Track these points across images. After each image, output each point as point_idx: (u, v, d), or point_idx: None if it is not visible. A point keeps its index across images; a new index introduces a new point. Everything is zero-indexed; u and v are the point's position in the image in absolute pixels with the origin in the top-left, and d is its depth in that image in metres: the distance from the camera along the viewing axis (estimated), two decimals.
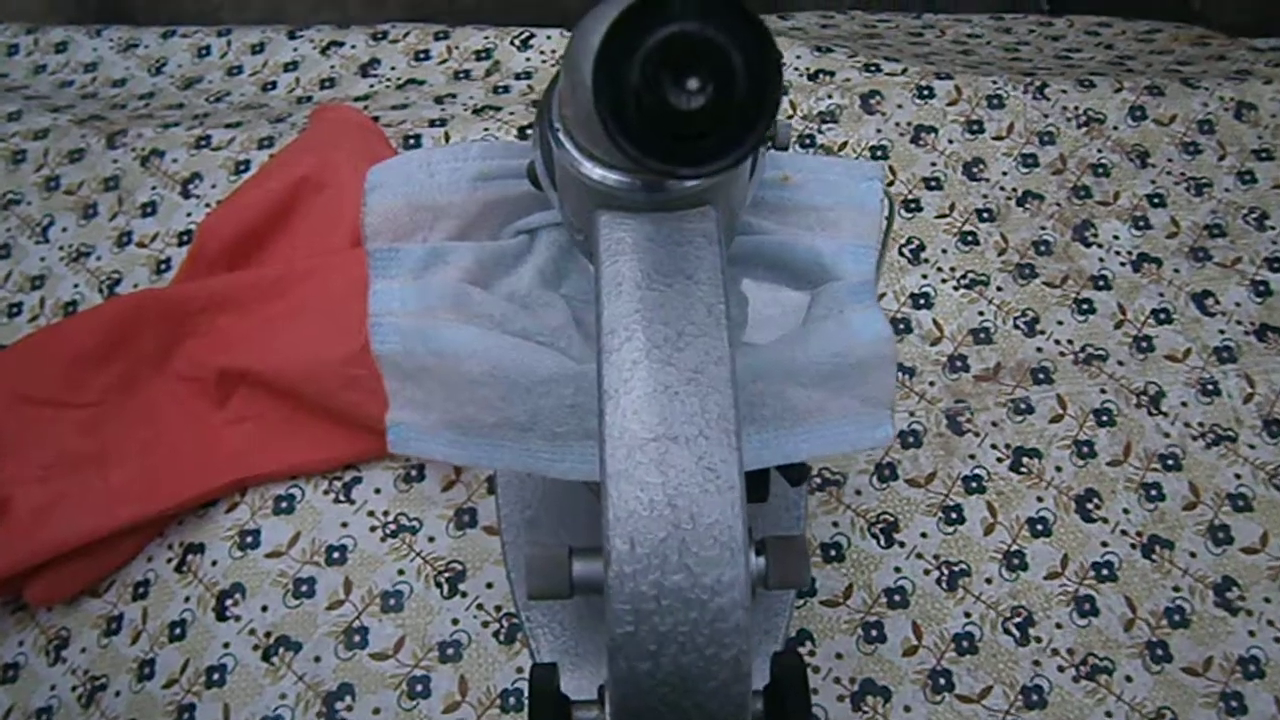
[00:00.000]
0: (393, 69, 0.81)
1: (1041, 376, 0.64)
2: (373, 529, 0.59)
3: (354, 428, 0.59)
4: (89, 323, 0.61)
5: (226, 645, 0.56)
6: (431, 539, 0.59)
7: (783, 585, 0.36)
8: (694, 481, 0.30)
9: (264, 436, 0.60)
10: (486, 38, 0.82)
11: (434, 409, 0.42)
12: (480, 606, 0.57)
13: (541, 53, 0.81)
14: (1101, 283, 0.67)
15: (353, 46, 0.82)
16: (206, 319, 0.62)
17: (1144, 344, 0.65)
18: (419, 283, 0.42)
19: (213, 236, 0.65)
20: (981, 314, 0.66)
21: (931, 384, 0.64)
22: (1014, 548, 0.58)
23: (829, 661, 0.56)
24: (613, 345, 0.31)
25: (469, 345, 0.40)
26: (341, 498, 0.60)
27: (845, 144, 0.73)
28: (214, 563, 0.59)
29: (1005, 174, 0.71)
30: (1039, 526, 0.59)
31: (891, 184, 0.71)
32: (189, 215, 0.71)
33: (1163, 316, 0.66)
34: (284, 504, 0.60)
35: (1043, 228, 0.69)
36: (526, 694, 0.50)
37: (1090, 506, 0.60)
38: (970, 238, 0.69)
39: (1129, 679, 0.55)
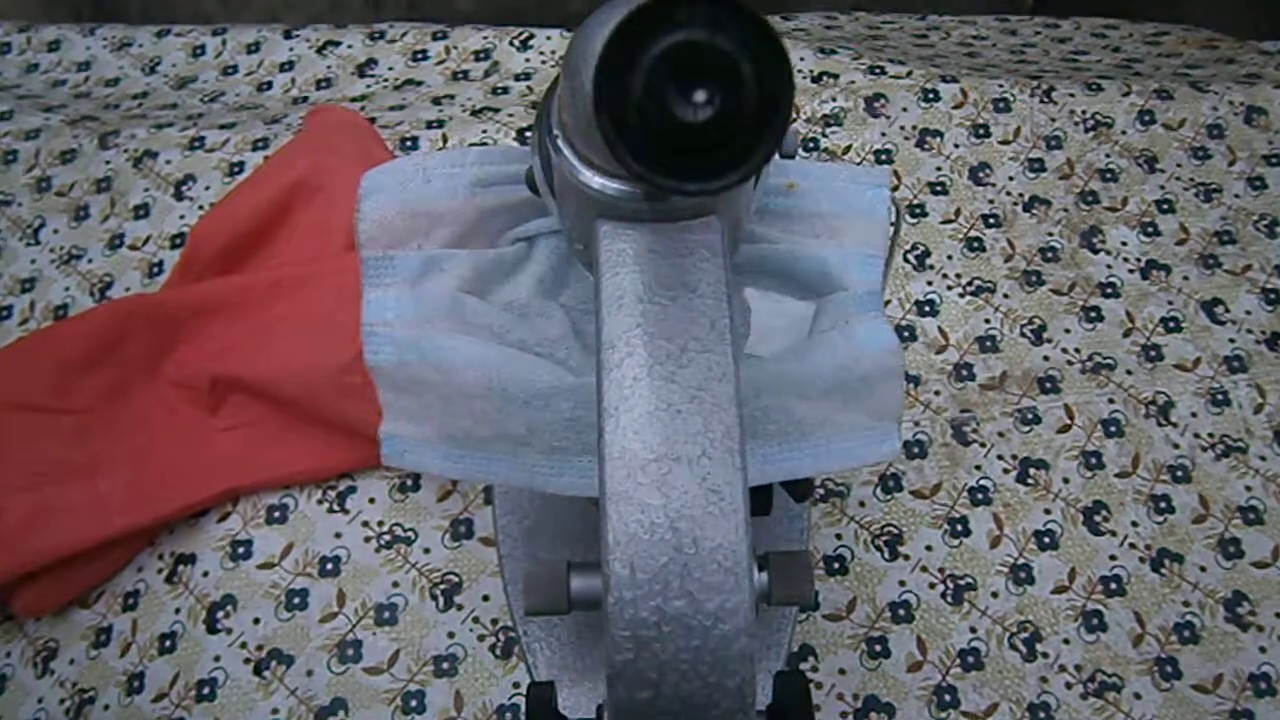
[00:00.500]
0: (390, 69, 0.80)
1: (1049, 386, 0.63)
2: (367, 539, 0.58)
3: (348, 436, 0.58)
4: (79, 328, 0.60)
5: (217, 658, 0.55)
6: (427, 550, 0.58)
7: (786, 602, 0.35)
8: (697, 504, 0.29)
9: (257, 444, 0.59)
10: (485, 38, 0.81)
11: (429, 421, 0.41)
12: (476, 620, 0.56)
13: (541, 53, 0.79)
14: (1110, 290, 0.66)
15: (350, 46, 0.81)
16: (199, 324, 0.61)
17: (1153, 353, 0.64)
18: (414, 291, 0.41)
19: (206, 241, 0.63)
20: (988, 322, 0.65)
21: (937, 393, 0.62)
22: (1021, 561, 0.57)
23: (832, 677, 0.54)
24: (613, 361, 0.30)
25: (465, 357, 0.39)
26: (335, 507, 0.59)
27: (849, 147, 0.71)
28: (205, 573, 0.58)
29: (1012, 179, 0.70)
30: (1046, 539, 0.58)
31: (896, 188, 0.70)
32: (182, 218, 0.70)
33: (1172, 325, 0.65)
34: (277, 513, 0.59)
35: (1050, 234, 0.68)
36: (523, 712, 0.49)
37: (1098, 519, 0.58)
38: (976, 244, 0.68)
39: (1138, 696, 0.54)
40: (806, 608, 0.56)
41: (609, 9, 0.31)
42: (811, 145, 0.72)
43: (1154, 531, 0.58)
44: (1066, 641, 0.55)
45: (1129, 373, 0.63)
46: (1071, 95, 0.74)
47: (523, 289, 0.42)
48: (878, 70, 0.75)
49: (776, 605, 0.35)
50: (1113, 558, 0.57)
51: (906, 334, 0.64)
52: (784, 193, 0.42)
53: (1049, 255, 0.67)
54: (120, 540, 0.57)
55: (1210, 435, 0.61)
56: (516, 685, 0.54)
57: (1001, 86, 0.74)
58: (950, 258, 0.67)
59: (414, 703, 0.54)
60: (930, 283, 0.66)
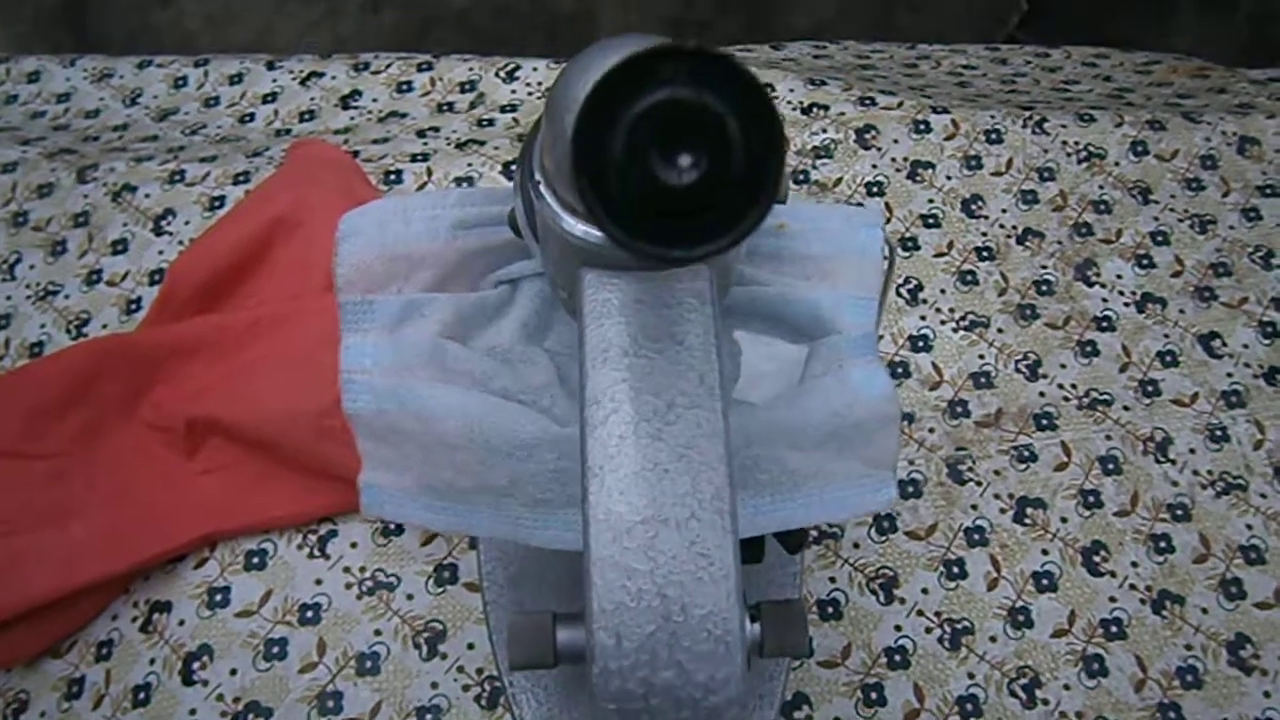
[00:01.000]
0: (374, 101, 0.79)
1: (1045, 422, 0.61)
2: (348, 586, 0.57)
3: (329, 479, 0.56)
4: (52, 369, 0.59)
5: (193, 711, 0.53)
6: (410, 596, 0.56)
7: (780, 654, 0.33)
8: (685, 569, 0.27)
9: (235, 488, 0.58)
10: (471, 69, 0.80)
11: (409, 471, 0.40)
12: (461, 669, 0.54)
13: (527, 84, 0.79)
14: (1105, 324, 0.65)
15: (333, 78, 0.80)
16: (176, 364, 0.60)
17: (1150, 388, 0.63)
18: (393, 337, 0.40)
19: (184, 278, 0.62)
20: (982, 357, 0.64)
21: (931, 430, 0.61)
22: (1019, 604, 0.56)
23: None
24: (598, 418, 0.29)
25: (445, 406, 0.38)
26: (316, 552, 0.58)
27: (840, 179, 0.71)
28: (181, 622, 0.56)
29: (1005, 211, 0.69)
30: (1044, 581, 0.57)
31: (889, 221, 0.69)
32: (160, 253, 0.68)
33: (1168, 359, 0.64)
34: (255, 559, 0.57)
35: (1044, 266, 0.67)
36: None
37: (1097, 559, 0.57)
38: (969, 277, 0.67)
39: None
40: (800, 656, 0.54)
41: (598, 49, 0.29)
42: (801, 178, 0.71)
43: (1154, 572, 0.57)
44: (1067, 687, 0.54)
45: (1126, 408, 0.62)
46: (1064, 126, 0.73)
47: (506, 334, 0.41)
48: (868, 101, 0.74)
49: (769, 657, 0.34)
50: (1113, 599, 0.56)
51: (900, 370, 0.63)
52: (775, 234, 0.41)
53: (1043, 288, 0.66)
54: (94, 588, 0.55)
55: (1209, 472, 0.60)
56: None
57: (993, 117, 0.73)
58: (943, 291, 0.66)
59: None
60: (923, 317, 0.65)
